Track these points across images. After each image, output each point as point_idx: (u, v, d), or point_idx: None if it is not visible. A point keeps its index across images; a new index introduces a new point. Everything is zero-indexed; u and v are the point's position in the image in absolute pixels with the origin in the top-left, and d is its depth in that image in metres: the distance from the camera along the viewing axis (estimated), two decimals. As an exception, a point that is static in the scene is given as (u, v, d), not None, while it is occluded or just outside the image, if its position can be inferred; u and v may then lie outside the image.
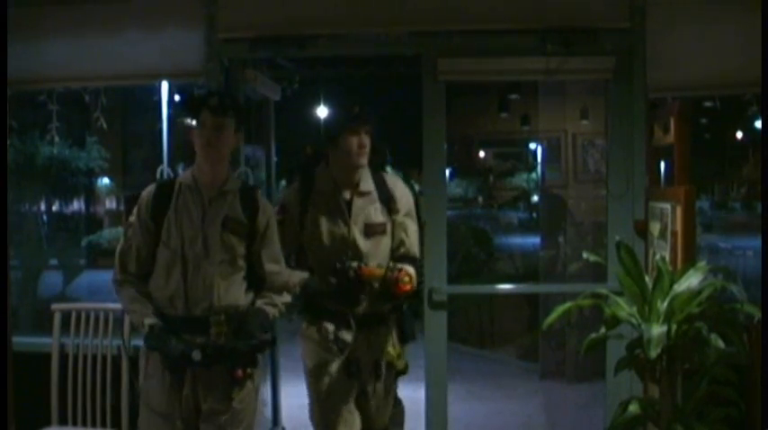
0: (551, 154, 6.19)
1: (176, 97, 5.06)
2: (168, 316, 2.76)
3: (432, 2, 3.73)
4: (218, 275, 2.76)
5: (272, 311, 2.87)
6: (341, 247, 3.07)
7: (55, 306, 3.68)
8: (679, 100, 3.88)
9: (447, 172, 4.18)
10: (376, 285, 3.06)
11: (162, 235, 2.79)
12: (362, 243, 3.09)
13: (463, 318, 7.85)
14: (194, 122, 2.79)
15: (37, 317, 5.17)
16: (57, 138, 5.44)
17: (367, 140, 3.09)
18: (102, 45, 3.84)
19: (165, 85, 4.82)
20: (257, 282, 2.88)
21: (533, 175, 21.78)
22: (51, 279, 6.54)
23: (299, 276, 3.19)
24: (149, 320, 2.73)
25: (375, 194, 3.14)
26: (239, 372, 2.72)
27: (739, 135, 18.08)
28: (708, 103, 4.31)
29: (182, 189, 2.83)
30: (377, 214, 3.13)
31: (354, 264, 2.99)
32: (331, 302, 3.08)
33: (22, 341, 3.79)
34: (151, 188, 2.89)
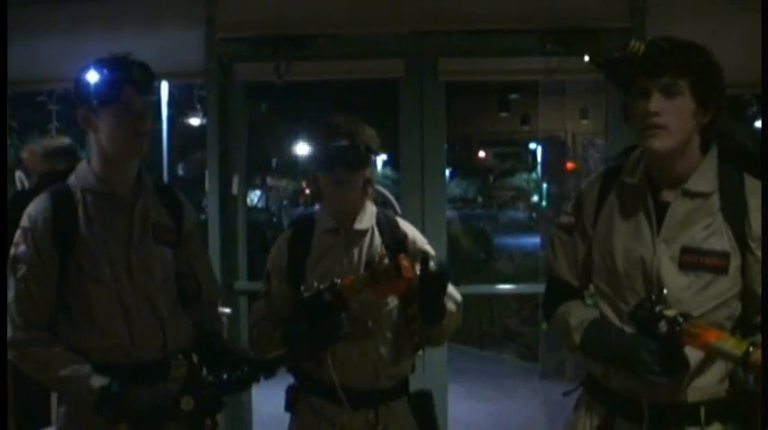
0: (551, 153, 6.19)
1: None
2: (110, 367, 2.01)
3: (432, 2, 3.73)
4: (163, 303, 2.10)
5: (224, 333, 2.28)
6: (635, 279, 1.85)
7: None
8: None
9: (447, 172, 4.17)
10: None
11: (83, 265, 2.01)
12: (672, 278, 1.80)
13: (463, 318, 7.86)
14: (96, 103, 2.06)
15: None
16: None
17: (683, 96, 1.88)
18: (101, 45, 3.83)
19: (164, 85, 4.82)
20: (183, 298, 2.21)
21: (533, 175, 21.81)
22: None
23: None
24: (99, 382, 1.97)
25: (716, 201, 1.83)
26: (209, 422, 2.09)
27: (739, 135, 18.08)
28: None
29: (86, 198, 2.07)
30: (712, 235, 1.81)
31: (676, 315, 1.68)
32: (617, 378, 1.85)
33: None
34: (42, 202, 2.04)
